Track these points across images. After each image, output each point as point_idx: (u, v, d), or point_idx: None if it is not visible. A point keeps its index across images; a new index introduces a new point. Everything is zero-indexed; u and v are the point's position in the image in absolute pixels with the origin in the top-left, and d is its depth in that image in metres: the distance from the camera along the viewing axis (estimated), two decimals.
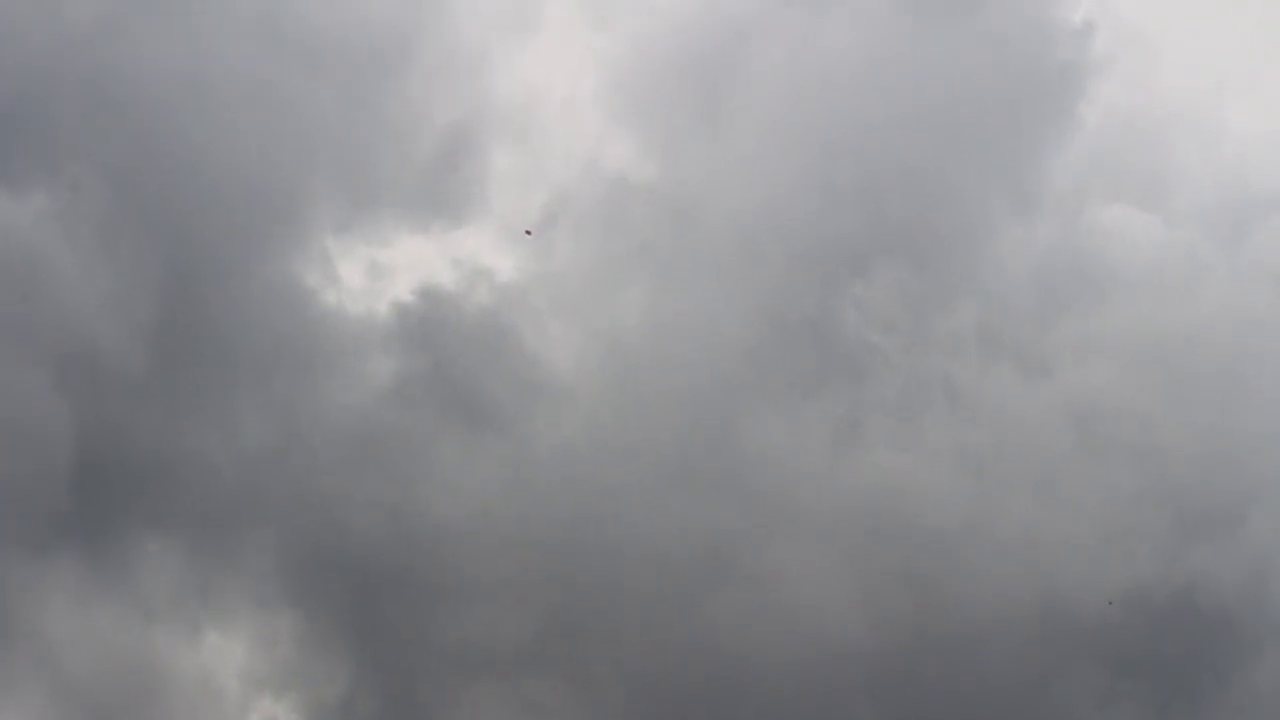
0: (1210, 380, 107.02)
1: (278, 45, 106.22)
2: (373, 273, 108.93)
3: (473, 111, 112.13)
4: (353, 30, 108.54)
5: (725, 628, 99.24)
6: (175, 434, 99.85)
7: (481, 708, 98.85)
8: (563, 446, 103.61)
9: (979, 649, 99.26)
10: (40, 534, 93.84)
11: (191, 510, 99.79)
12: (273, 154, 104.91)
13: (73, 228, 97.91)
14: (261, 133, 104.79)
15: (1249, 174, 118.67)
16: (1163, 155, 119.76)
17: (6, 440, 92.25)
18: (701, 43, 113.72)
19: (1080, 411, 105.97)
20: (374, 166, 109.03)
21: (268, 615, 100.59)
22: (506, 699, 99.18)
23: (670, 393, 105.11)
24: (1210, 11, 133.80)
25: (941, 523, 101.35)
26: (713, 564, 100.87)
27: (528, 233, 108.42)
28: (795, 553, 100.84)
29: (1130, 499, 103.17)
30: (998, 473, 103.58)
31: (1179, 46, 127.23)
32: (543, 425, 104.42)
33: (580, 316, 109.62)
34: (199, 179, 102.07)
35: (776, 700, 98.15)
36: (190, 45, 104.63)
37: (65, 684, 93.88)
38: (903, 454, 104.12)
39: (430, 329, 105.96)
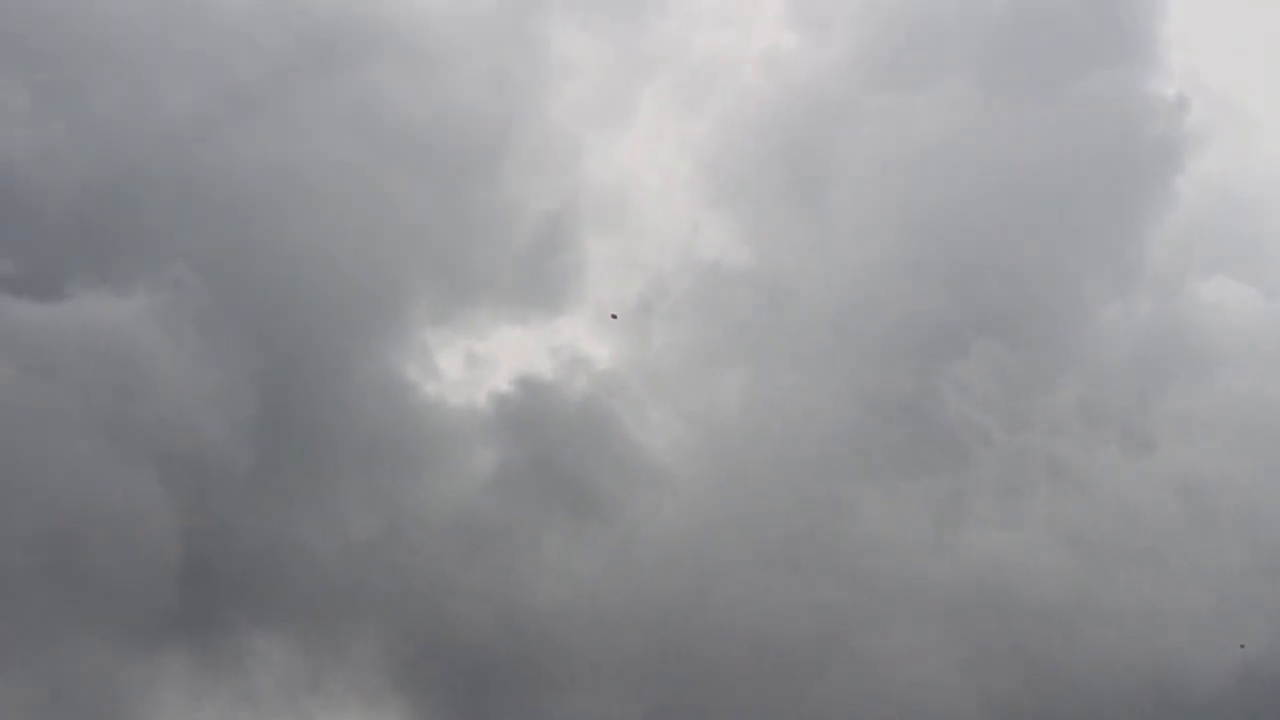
0: None
1: (373, 138, 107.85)
2: (471, 363, 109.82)
3: (568, 200, 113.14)
4: (448, 122, 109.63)
5: (832, 709, 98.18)
6: (280, 529, 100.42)
7: None
8: (665, 531, 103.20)
9: None
10: (150, 631, 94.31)
11: (298, 604, 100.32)
12: (370, 247, 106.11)
13: (174, 325, 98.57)
14: (358, 226, 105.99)
15: None
16: (1260, 227, 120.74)
17: (114, 538, 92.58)
18: (793, 127, 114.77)
19: (1186, 485, 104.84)
20: (471, 258, 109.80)
21: (377, 707, 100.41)
22: None
23: (771, 475, 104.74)
24: None
25: (1049, 599, 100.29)
26: (819, 645, 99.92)
27: (613, 316, 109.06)
28: (902, 632, 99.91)
29: (1240, 572, 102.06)
30: (1105, 548, 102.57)
31: (1273, 117, 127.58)
32: (645, 511, 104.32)
33: (678, 402, 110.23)
34: (297, 274, 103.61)
35: None
36: (286, 140, 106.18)
37: None
38: (1008, 532, 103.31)
39: (530, 418, 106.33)
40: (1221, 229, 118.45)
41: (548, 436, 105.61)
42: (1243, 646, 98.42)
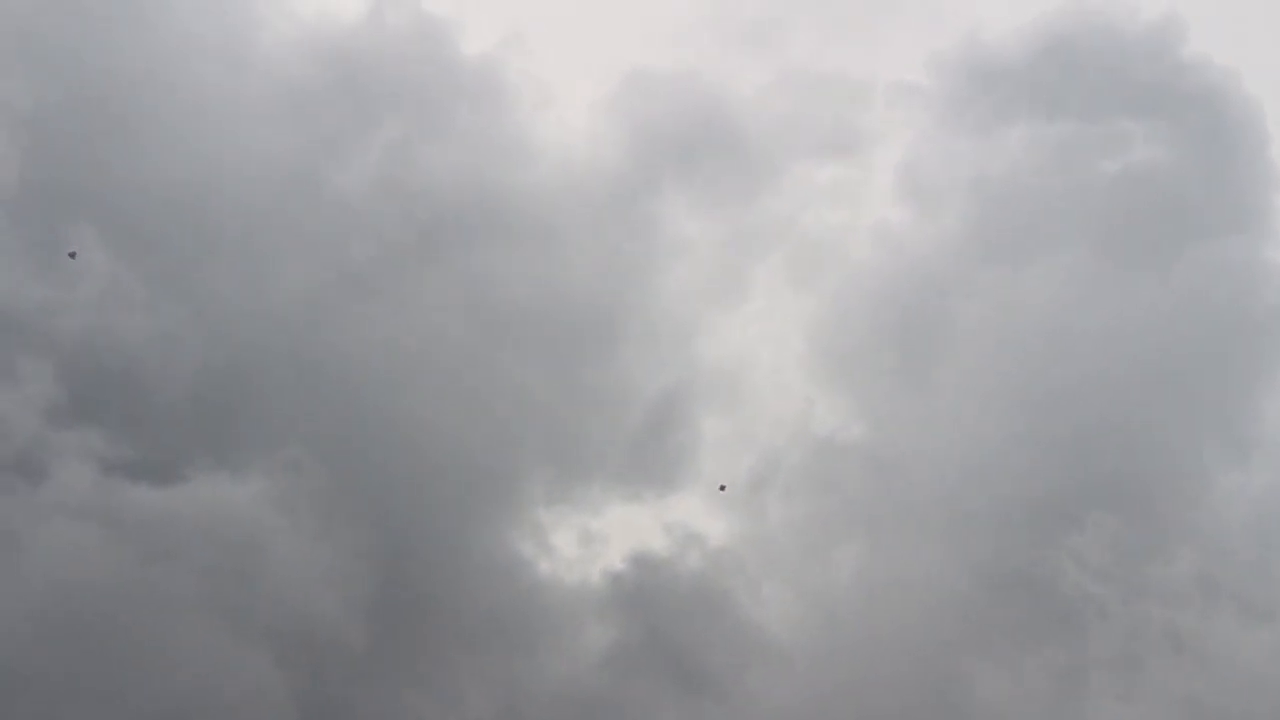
0: None
1: (487, 319, 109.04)
2: (585, 541, 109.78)
3: (681, 378, 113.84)
4: (561, 302, 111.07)
5: None
6: (396, 708, 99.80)
7: None
8: (780, 708, 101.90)
9: None
10: None
11: None
12: (485, 427, 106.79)
13: (291, 506, 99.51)
14: (473, 406, 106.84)
15: None
16: None
17: (231, 718, 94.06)
18: (904, 301, 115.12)
19: None
20: (584, 436, 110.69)
21: None
22: None
23: (886, 650, 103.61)
24: None
25: None
26: None
27: (722, 488, 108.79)
28: None
29: None
30: None
31: None
32: (758, 687, 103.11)
33: (792, 577, 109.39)
34: (412, 454, 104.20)
35: None
36: (400, 321, 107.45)
37: None
38: (1128, 705, 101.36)
39: (644, 596, 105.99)
40: None
41: (661, 613, 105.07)
42: None
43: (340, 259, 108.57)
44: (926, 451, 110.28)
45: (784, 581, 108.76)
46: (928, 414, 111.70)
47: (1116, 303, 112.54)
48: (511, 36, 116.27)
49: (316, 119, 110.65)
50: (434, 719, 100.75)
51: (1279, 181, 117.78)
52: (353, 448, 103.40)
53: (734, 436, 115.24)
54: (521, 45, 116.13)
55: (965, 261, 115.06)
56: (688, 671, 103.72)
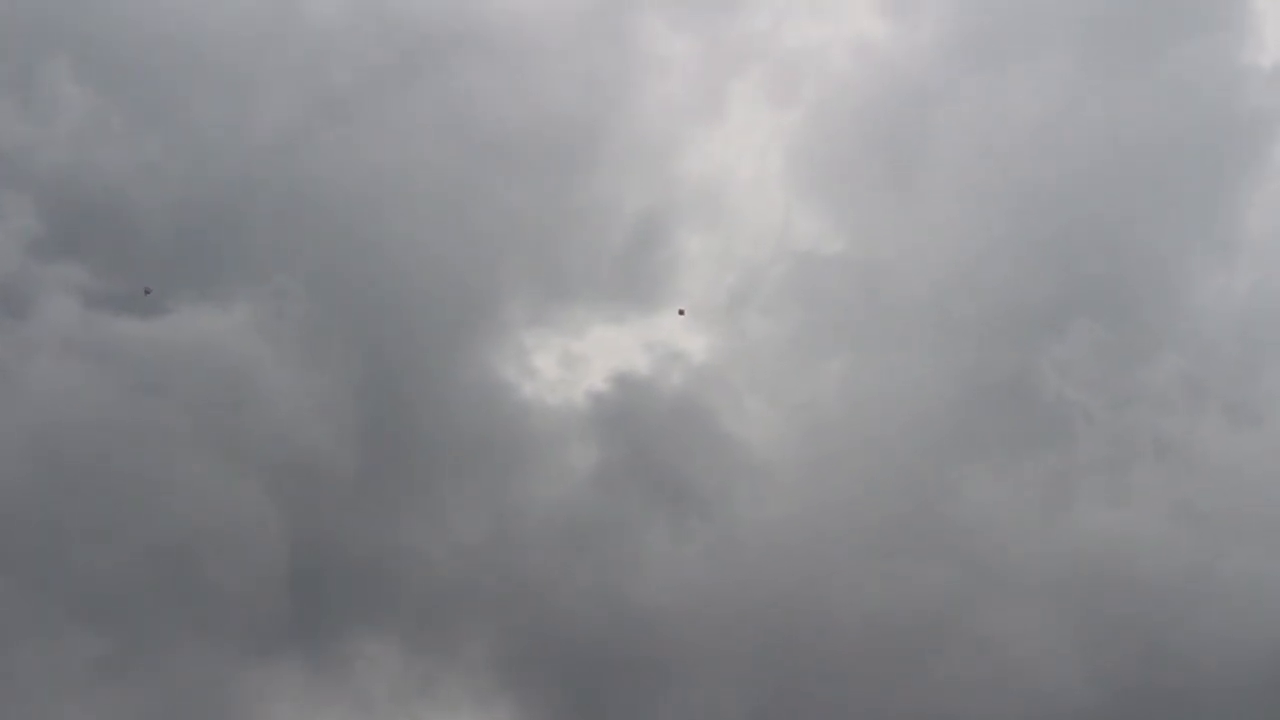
0: None
1: (467, 141, 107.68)
2: (567, 363, 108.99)
3: (661, 197, 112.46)
4: (541, 123, 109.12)
5: (945, 692, 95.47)
6: (387, 534, 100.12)
7: None
8: (768, 522, 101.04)
9: (1205, 703, 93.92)
10: (262, 639, 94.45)
11: (407, 608, 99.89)
12: (466, 250, 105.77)
13: (277, 336, 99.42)
14: (454, 229, 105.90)
15: None
16: None
17: (225, 550, 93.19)
18: (885, 112, 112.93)
19: None
20: (565, 258, 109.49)
21: (487, 707, 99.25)
22: None
23: (872, 461, 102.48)
24: None
25: (1161, 576, 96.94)
26: (928, 630, 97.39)
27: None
28: (1013, 613, 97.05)
29: None
30: (1216, 523, 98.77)
31: None
32: (746, 503, 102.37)
33: (776, 392, 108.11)
34: (395, 280, 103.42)
35: None
36: (382, 147, 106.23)
37: None
38: (1116, 509, 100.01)
39: (627, 415, 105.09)
40: None
41: (645, 433, 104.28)
42: None
43: (320, 85, 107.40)
44: (909, 262, 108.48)
45: (768, 397, 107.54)
46: (910, 224, 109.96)
47: (1099, 107, 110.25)
48: None
49: None
50: (424, 544, 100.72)
51: None
52: (336, 274, 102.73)
53: (715, 254, 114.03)
54: None
55: (946, 70, 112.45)
56: (673, 490, 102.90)
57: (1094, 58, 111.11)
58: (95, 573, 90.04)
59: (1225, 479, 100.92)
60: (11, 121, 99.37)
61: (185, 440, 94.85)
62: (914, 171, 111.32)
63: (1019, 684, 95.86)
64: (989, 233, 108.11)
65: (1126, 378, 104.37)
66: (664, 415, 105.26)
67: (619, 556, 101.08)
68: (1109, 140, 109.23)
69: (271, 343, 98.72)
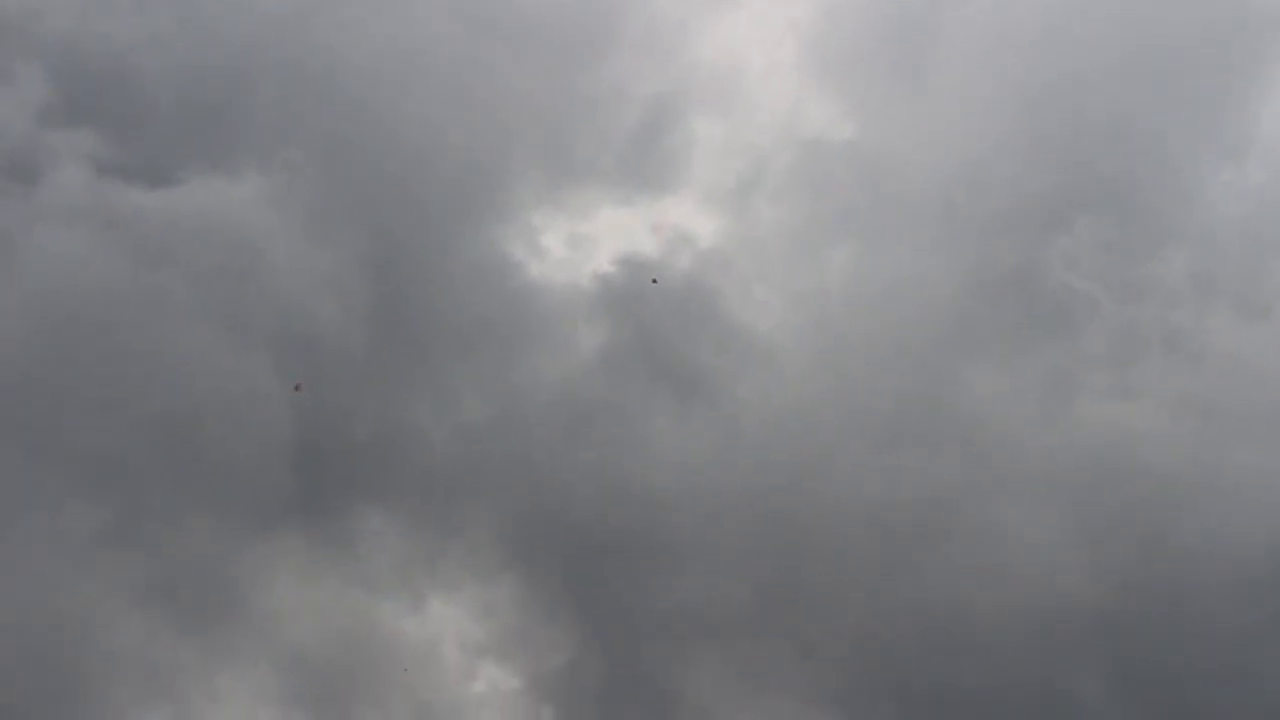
0: None
1: (481, 22, 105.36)
2: (575, 244, 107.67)
3: (674, 83, 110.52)
4: (554, 6, 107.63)
5: (944, 584, 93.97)
6: (392, 411, 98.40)
7: (702, 672, 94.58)
8: (771, 409, 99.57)
9: (1205, 597, 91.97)
10: (265, 513, 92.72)
11: (411, 485, 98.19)
12: (477, 129, 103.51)
13: (286, 209, 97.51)
14: (466, 110, 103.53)
15: None
16: None
17: (230, 423, 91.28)
18: (897, 4, 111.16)
19: None
20: (576, 140, 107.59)
21: (489, 585, 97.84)
22: (726, 663, 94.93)
23: (878, 351, 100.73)
24: None
25: (1165, 470, 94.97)
26: (930, 520, 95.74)
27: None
28: (1015, 505, 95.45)
29: None
30: (1221, 417, 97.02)
31: None
32: (750, 389, 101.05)
33: (783, 280, 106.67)
34: (406, 157, 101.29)
35: (998, 654, 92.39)
36: (395, 23, 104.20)
37: (292, 656, 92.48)
38: (1121, 402, 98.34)
39: (633, 298, 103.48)
40: None
41: (650, 316, 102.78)
42: None
43: None
44: (918, 152, 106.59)
45: (774, 284, 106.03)
46: (920, 114, 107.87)
47: (1110, 3, 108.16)
48: None
49: None
50: (429, 422, 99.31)
51: None
52: (347, 149, 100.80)
53: (725, 139, 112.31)
54: None
55: None
56: (678, 375, 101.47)
57: None
58: (98, 443, 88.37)
59: (1231, 373, 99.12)
60: None
61: (191, 312, 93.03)
62: (925, 63, 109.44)
63: (1019, 574, 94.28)
64: (998, 126, 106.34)
65: (1133, 272, 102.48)
66: (670, 299, 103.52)
67: (622, 439, 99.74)
68: (1120, 37, 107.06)
69: (280, 216, 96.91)
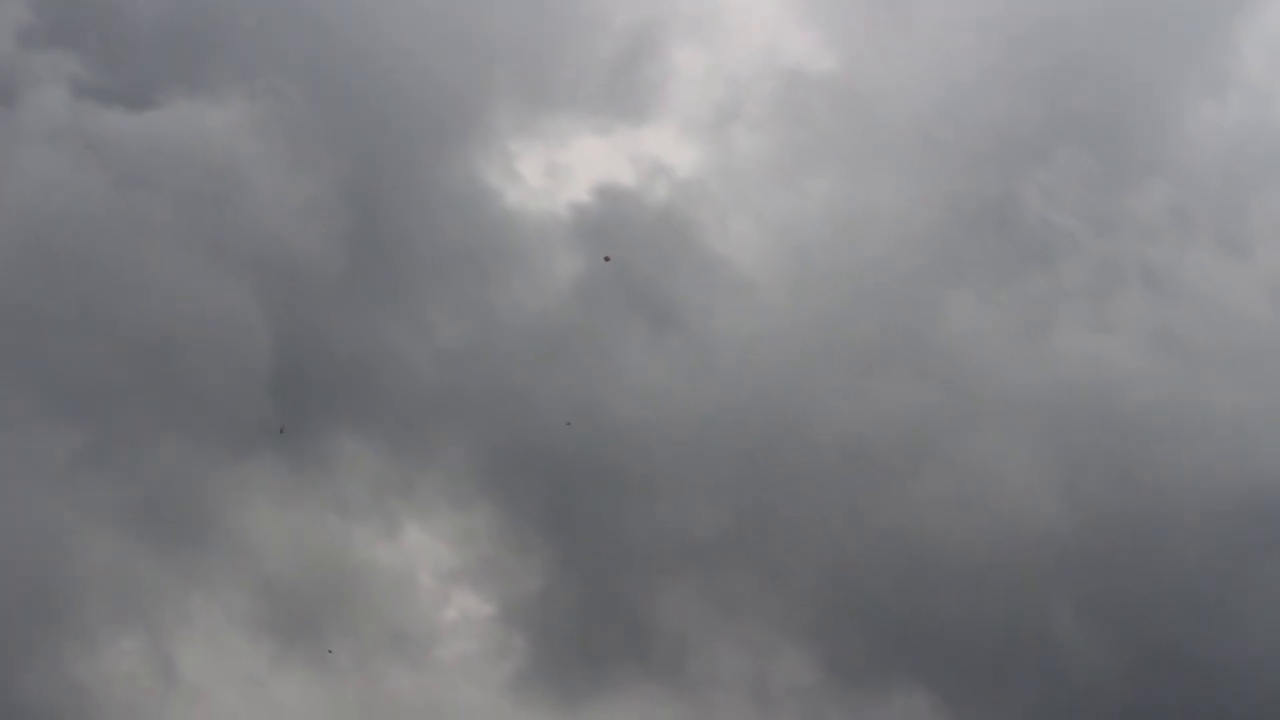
0: None
1: None
2: (552, 172, 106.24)
3: (653, 12, 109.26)
4: None
5: (919, 514, 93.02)
6: (370, 336, 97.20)
7: (675, 600, 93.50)
8: (748, 340, 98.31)
9: (1176, 531, 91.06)
10: (242, 437, 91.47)
11: (387, 410, 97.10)
12: (457, 58, 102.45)
13: (268, 133, 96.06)
14: (446, 38, 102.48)
15: None
16: None
17: (208, 346, 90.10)
18: None
19: None
20: (554, 67, 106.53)
21: (464, 511, 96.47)
22: (700, 591, 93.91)
23: (855, 282, 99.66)
24: None
25: (1141, 404, 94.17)
26: (906, 451, 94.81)
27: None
28: (991, 437, 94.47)
29: None
30: (1199, 353, 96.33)
31: None
32: (726, 319, 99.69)
33: (761, 210, 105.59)
34: (386, 84, 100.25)
35: (971, 585, 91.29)
36: None
37: (265, 580, 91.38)
38: (1099, 336, 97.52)
39: (610, 228, 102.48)
40: None
41: (627, 245, 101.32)
42: None
43: None
44: (897, 84, 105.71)
45: (752, 214, 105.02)
46: (899, 46, 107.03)
47: None
48: None
49: None
50: (406, 349, 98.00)
51: None
52: (328, 74, 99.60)
53: (704, 69, 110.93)
54: None
55: None
56: (654, 304, 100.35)
57: None
58: (76, 365, 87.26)
59: (1209, 309, 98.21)
60: None
61: (171, 235, 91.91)
62: None
63: (994, 506, 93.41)
64: (978, 59, 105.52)
65: (1113, 205, 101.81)
66: (647, 228, 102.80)
67: (598, 368, 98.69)
68: None
69: (261, 141, 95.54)
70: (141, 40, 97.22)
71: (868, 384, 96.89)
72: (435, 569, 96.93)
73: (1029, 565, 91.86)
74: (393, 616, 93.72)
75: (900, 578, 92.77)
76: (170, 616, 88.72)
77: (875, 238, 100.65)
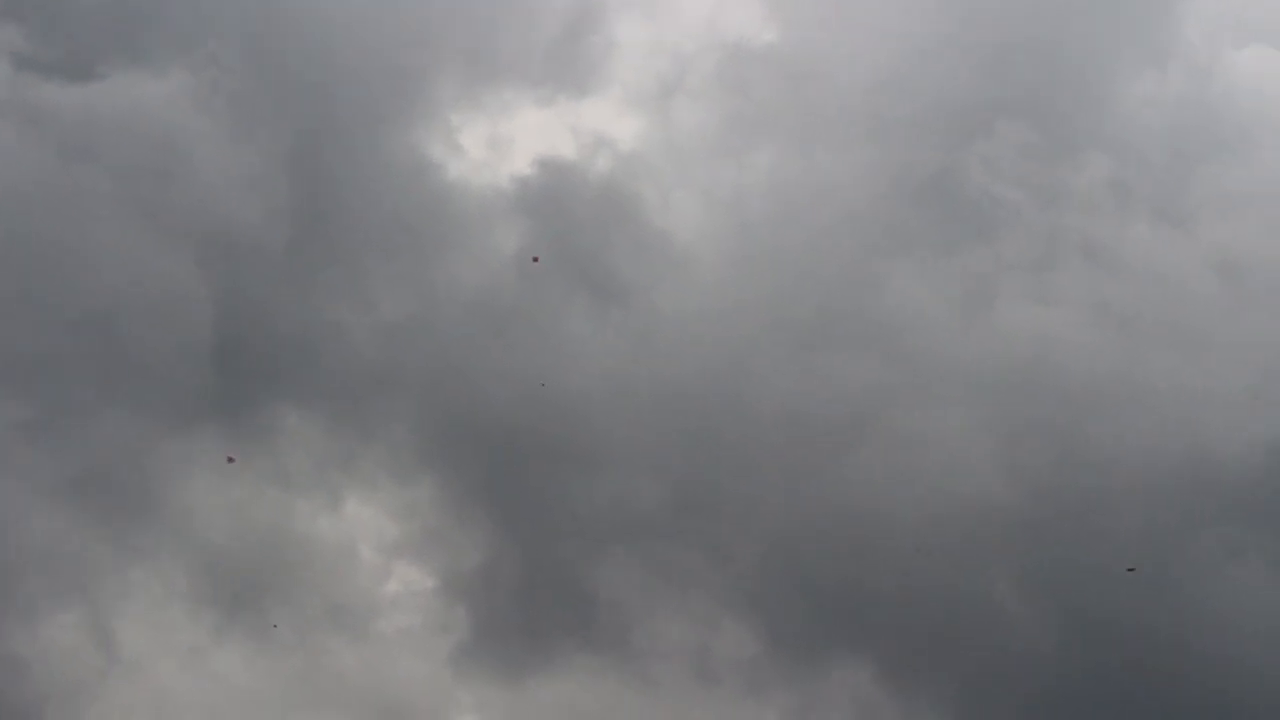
0: None
1: None
2: (494, 144, 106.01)
3: None
4: None
5: (861, 487, 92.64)
6: (312, 309, 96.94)
7: (617, 573, 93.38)
8: (690, 313, 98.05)
9: (1117, 503, 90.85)
10: (183, 410, 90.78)
11: (330, 383, 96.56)
12: (399, 29, 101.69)
13: (209, 105, 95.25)
14: (388, 8, 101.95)
15: None
16: None
17: (150, 318, 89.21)
18: None
19: (1224, 262, 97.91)
20: (497, 40, 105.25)
21: (406, 484, 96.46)
22: (642, 565, 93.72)
23: (797, 255, 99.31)
24: None
25: (1082, 378, 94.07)
26: (849, 424, 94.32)
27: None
28: (932, 411, 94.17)
29: (1276, 348, 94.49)
30: (1140, 326, 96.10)
31: None
32: (668, 293, 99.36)
33: (704, 184, 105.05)
34: (327, 55, 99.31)
35: (912, 559, 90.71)
36: None
37: (206, 553, 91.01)
38: (1040, 308, 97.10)
39: (552, 201, 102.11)
40: None
41: (569, 219, 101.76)
42: None
43: None
44: (839, 56, 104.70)
45: (694, 188, 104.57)
46: (841, 18, 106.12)
47: None
48: None
49: None
50: (348, 321, 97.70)
51: None
52: (270, 46, 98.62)
53: (647, 41, 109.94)
54: None
55: None
56: (596, 279, 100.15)
57: None
58: (16, 338, 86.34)
59: (1149, 283, 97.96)
60: None
61: (112, 208, 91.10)
62: None
63: (936, 480, 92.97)
64: (919, 30, 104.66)
65: (1053, 178, 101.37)
66: (589, 202, 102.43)
67: (540, 342, 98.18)
68: None
69: (203, 113, 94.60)
70: (81, 11, 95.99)
71: (809, 357, 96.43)
72: (377, 542, 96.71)
73: (970, 537, 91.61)
74: (334, 589, 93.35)
75: (842, 550, 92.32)
76: (110, 590, 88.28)
77: (817, 211, 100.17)
